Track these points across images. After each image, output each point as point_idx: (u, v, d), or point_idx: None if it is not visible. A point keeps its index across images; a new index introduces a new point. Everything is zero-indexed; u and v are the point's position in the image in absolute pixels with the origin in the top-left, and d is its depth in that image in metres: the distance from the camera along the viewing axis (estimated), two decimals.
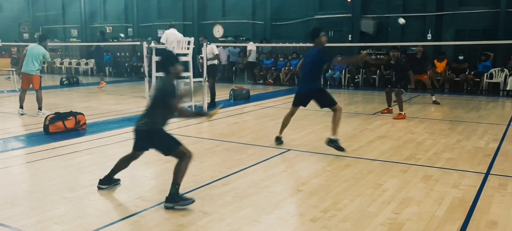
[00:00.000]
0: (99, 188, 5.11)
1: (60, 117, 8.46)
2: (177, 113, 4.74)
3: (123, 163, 5.15)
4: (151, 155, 6.51)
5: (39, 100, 10.78)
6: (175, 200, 4.54)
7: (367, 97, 14.84)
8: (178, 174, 4.61)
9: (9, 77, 18.00)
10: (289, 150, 7.09)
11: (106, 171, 5.63)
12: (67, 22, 28.07)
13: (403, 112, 10.09)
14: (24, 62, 10.70)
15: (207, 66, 11.87)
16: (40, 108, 10.75)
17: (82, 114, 8.83)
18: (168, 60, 4.88)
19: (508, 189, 5.18)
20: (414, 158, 6.62)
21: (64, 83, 18.55)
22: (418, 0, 17.70)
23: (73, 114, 8.68)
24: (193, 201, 4.60)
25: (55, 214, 4.38)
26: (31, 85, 10.71)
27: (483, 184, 5.37)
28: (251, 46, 18.78)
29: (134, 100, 13.23)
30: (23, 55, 10.95)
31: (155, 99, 4.76)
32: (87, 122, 8.94)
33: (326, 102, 6.94)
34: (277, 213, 4.44)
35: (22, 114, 10.60)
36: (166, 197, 4.58)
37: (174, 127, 9.25)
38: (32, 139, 7.99)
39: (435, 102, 12.55)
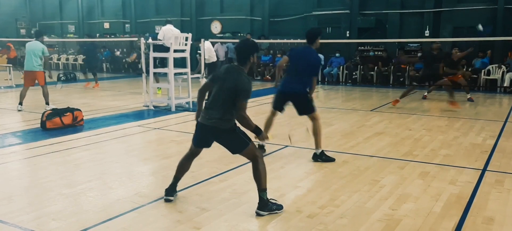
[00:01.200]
0: (167, 200, 4.60)
1: (57, 113, 8.44)
2: (239, 116, 4.28)
3: (185, 165, 4.71)
4: (149, 151, 6.52)
5: (45, 95, 10.85)
6: (268, 206, 4.26)
7: (364, 93, 14.85)
8: (261, 179, 4.29)
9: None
10: (286, 146, 7.09)
11: (103, 167, 5.65)
12: (64, 18, 27.99)
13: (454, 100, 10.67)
14: (25, 60, 10.75)
15: (207, 64, 11.91)
16: (47, 103, 10.79)
17: (80, 110, 8.82)
18: (251, 48, 4.36)
19: (505, 185, 5.20)
20: (411, 154, 6.63)
21: (61, 79, 18.50)
22: None
23: (70, 110, 8.66)
24: (282, 207, 4.37)
25: (52, 210, 4.38)
26: (36, 81, 10.76)
27: (480, 180, 5.38)
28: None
29: (132, 97, 13.20)
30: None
31: (229, 92, 4.19)
32: (84, 118, 8.93)
33: (307, 109, 6.34)
34: None
35: (19, 110, 10.58)
36: (258, 204, 4.27)
37: (172, 123, 9.25)
38: (30, 135, 7.98)
39: (470, 99, 12.38)
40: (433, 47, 11.25)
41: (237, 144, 4.37)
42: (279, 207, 4.35)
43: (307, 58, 6.27)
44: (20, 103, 10.73)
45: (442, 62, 11.39)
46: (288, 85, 6.37)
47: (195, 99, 10.90)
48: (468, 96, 12.54)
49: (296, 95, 6.33)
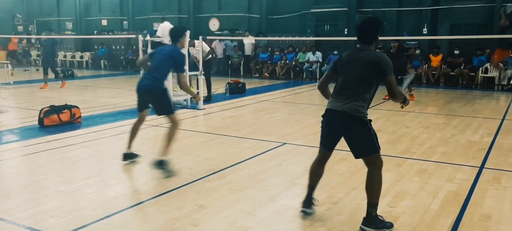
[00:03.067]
0: (306, 213, 4.18)
1: (55, 110, 8.43)
2: (392, 91, 3.81)
3: (318, 171, 4.23)
4: (147, 148, 6.51)
5: None
6: (375, 223, 3.83)
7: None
8: (373, 192, 3.85)
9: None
10: (284, 143, 7.10)
11: (101, 164, 5.63)
12: (61, 14, 27.92)
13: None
14: None
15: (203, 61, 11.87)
16: None
17: (77, 107, 8.80)
18: (379, 26, 3.99)
19: (502, 182, 5.21)
20: (409, 151, 6.65)
21: (61, 76, 18.44)
22: None
23: (68, 107, 8.65)
24: (392, 225, 3.94)
25: (50, 207, 4.38)
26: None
27: (477, 177, 5.40)
28: (249, 39, 18.78)
29: (129, 94, 13.18)
30: None
31: (364, 72, 3.78)
32: (82, 115, 8.92)
33: (165, 109, 5.66)
34: (272, 207, 4.45)
35: None
36: (364, 219, 3.89)
37: None
38: (27, 132, 7.96)
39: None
40: (391, 46, 11.99)
41: (367, 143, 3.85)
42: (388, 226, 3.87)
43: (165, 53, 5.63)
44: None
45: (402, 58, 12.00)
46: (142, 81, 5.69)
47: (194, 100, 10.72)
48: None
49: (151, 92, 5.60)
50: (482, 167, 5.88)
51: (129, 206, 4.44)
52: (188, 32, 6.20)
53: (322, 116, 4.05)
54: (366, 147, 3.85)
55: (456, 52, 16.06)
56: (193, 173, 5.47)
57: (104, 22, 26.07)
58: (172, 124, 5.63)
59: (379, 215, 3.91)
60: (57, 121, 8.34)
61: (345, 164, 5.91)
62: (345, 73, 3.91)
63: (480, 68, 15.43)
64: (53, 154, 6.48)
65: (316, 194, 4.77)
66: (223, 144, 7.10)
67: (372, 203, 3.85)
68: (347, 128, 3.83)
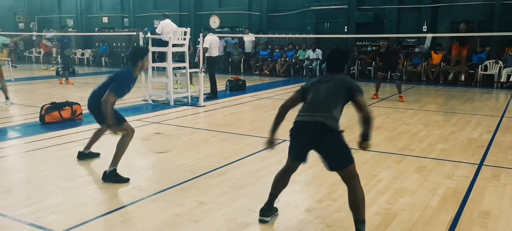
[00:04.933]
0: (263, 221, 4.01)
1: (56, 106, 8.45)
2: (364, 114, 3.72)
3: (283, 180, 4.09)
4: (148, 145, 6.54)
5: (4, 89, 10.68)
6: None
7: (362, 88, 14.85)
8: (359, 208, 3.61)
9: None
10: (284, 140, 7.08)
11: (102, 161, 5.66)
12: (63, 12, 27.90)
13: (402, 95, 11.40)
14: None
15: (206, 57, 11.94)
16: (6, 97, 10.67)
17: (78, 104, 8.82)
18: (347, 57, 4.12)
19: (501, 179, 5.24)
20: (408, 149, 6.67)
21: (60, 73, 18.46)
22: None
23: (69, 104, 8.67)
24: None
25: (51, 203, 4.41)
26: None
27: (477, 174, 5.43)
28: (249, 37, 18.79)
29: (130, 91, 13.18)
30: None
31: (335, 88, 3.77)
32: (83, 112, 8.92)
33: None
34: None
35: (9, 104, 10.51)
36: None
37: (171, 117, 9.27)
38: (28, 129, 7.99)
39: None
40: (380, 44, 12.04)
41: (344, 155, 3.71)
42: None
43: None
44: (7, 98, 10.63)
45: (392, 57, 11.86)
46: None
47: (195, 94, 10.71)
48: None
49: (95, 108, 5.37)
50: (481, 164, 5.90)
51: (130, 203, 4.47)
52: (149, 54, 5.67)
53: (291, 130, 3.91)
54: (343, 158, 3.66)
55: None
56: (194, 170, 5.50)
57: (105, 20, 26.08)
58: (125, 135, 5.31)
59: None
60: (58, 117, 8.37)
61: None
62: (315, 90, 3.84)
63: (480, 66, 15.44)
64: (54, 151, 6.51)
65: (316, 191, 4.81)
66: (223, 141, 7.12)
67: (361, 219, 3.63)
68: (320, 139, 3.67)
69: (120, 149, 5.19)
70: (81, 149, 6.05)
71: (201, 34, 11.55)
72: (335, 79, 3.85)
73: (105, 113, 5.03)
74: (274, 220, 4.06)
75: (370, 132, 3.76)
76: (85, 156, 5.99)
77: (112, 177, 5.05)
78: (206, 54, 11.59)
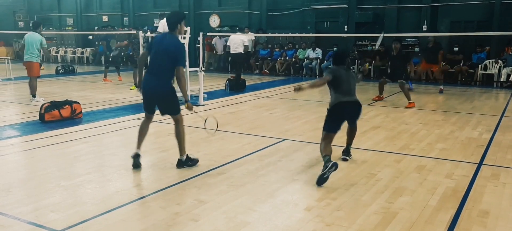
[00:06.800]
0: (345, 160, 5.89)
1: (55, 105, 8.46)
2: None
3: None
4: (147, 143, 6.53)
5: (33, 87, 10.89)
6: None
7: (361, 88, 14.83)
8: (352, 138, 6.15)
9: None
10: (284, 139, 7.12)
11: (102, 160, 5.66)
12: (62, 10, 27.89)
13: (411, 101, 10.55)
14: (24, 51, 10.91)
15: (231, 55, 12.57)
16: (33, 95, 10.86)
17: (78, 103, 8.83)
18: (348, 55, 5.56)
19: (501, 179, 5.24)
20: (408, 148, 6.67)
21: (60, 72, 18.49)
22: None
23: (69, 103, 8.68)
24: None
25: (51, 202, 4.41)
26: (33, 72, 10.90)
27: (476, 174, 5.43)
28: (248, 36, 18.76)
29: (130, 90, 13.21)
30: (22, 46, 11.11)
31: (354, 80, 5.84)
32: (82, 110, 8.94)
33: (170, 109, 5.52)
34: (272, 202, 4.48)
35: (36, 101, 10.61)
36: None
37: None
38: (28, 128, 7.99)
39: (441, 91, 13.21)
40: (392, 47, 11.18)
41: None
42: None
43: (166, 47, 5.30)
44: (34, 95, 10.87)
45: (402, 61, 11.17)
46: (149, 84, 5.42)
47: (194, 93, 10.80)
48: (441, 88, 13.07)
49: (158, 94, 5.43)
50: (480, 163, 5.91)
51: (130, 201, 4.47)
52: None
53: (334, 108, 5.54)
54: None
55: (456, 49, 16.06)
56: (194, 168, 5.50)
57: (105, 19, 26.06)
58: (178, 123, 5.51)
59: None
60: (58, 116, 8.37)
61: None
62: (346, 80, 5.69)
63: (479, 65, 15.45)
64: (54, 149, 6.51)
65: (315, 189, 4.81)
66: (223, 140, 7.12)
67: (349, 147, 6.14)
68: (357, 115, 5.85)
69: (183, 137, 5.52)
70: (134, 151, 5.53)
71: (201, 33, 11.55)
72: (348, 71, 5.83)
73: (185, 88, 5.54)
74: (273, 220, 4.06)
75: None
76: (137, 158, 5.50)
77: (188, 162, 5.52)
78: (231, 51, 13.05)
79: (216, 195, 4.61)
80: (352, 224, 3.93)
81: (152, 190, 4.79)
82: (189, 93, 11.00)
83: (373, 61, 17.30)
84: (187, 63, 11.10)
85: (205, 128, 6.08)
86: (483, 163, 5.93)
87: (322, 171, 4.94)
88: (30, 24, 12.69)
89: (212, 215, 4.12)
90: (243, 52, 14.39)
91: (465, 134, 7.61)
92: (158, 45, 5.35)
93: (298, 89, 5.41)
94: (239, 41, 13.87)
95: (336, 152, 5.88)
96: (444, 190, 4.83)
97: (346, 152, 6.04)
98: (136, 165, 5.44)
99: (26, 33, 11.35)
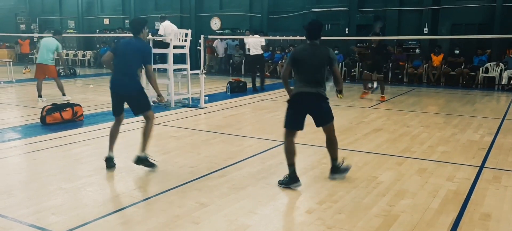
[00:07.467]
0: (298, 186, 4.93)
1: (57, 108, 8.46)
2: (337, 78, 5.02)
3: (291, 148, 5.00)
4: (149, 146, 6.53)
5: (60, 87, 11.37)
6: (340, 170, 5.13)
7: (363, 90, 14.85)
8: (336, 149, 5.20)
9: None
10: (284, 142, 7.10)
11: (103, 162, 5.65)
12: (64, 13, 27.94)
13: (384, 95, 11.69)
14: (39, 54, 11.44)
15: (252, 57, 13.78)
16: (63, 94, 11.29)
17: (79, 105, 8.84)
18: (321, 26, 5.02)
19: (502, 182, 5.23)
20: (409, 151, 6.67)
21: (61, 74, 18.48)
22: None
23: (70, 105, 8.69)
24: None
25: (52, 204, 4.41)
26: (46, 76, 11.37)
27: (478, 177, 5.42)
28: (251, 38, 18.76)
29: None
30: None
31: (323, 64, 4.87)
32: (84, 113, 8.95)
33: (140, 106, 5.56)
34: (273, 205, 4.48)
35: (40, 101, 10.97)
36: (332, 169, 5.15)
37: (172, 118, 9.28)
38: (29, 130, 7.99)
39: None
40: (373, 41, 11.83)
41: (329, 114, 5.02)
42: (346, 170, 5.20)
43: (134, 49, 5.50)
44: (40, 96, 11.25)
45: (381, 55, 11.97)
46: (119, 83, 5.53)
47: (196, 95, 10.83)
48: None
49: (128, 93, 5.53)
50: (482, 166, 5.90)
51: (131, 204, 4.47)
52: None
53: (292, 100, 5.07)
54: (329, 117, 5.05)
55: (457, 51, 16.06)
56: (195, 171, 5.50)
57: (106, 21, 26.10)
58: (149, 120, 5.58)
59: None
60: (59, 119, 8.37)
61: (345, 163, 5.93)
62: (309, 64, 5.00)
63: (481, 68, 15.44)
64: (55, 152, 6.52)
65: (316, 192, 4.81)
66: (224, 142, 7.12)
67: (335, 157, 5.16)
68: (318, 108, 5.00)
69: (149, 134, 5.56)
70: (107, 155, 5.64)
71: (202, 36, 11.56)
72: (324, 53, 4.93)
73: (156, 83, 5.69)
74: (274, 222, 4.06)
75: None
76: (110, 160, 5.62)
77: (145, 161, 5.50)
78: (251, 53, 13.89)
79: (217, 198, 4.61)
80: (353, 227, 3.93)
81: (153, 192, 4.78)
82: (188, 96, 11.03)
83: (359, 62, 17.25)
84: (188, 66, 11.19)
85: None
86: (485, 166, 5.92)
87: (283, 178, 4.93)
88: (51, 31, 13.41)
89: (213, 217, 4.12)
90: (262, 52, 14.79)
91: (467, 137, 7.60)
92: (125, 48, 5.58)
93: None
94: (258, 43, 14.23)
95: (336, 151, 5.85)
96: (446, 193, 4.82)
97: (333, 169, 5.20)
98: (110, 166, 5.60)
99: (42, 37, 11.81)
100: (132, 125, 8.44)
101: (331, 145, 5.09)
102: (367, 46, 12.80)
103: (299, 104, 4.90)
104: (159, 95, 5.75)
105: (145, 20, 5.83)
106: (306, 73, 4.86)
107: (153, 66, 10.94)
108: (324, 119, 5.00)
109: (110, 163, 5.60)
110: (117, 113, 5.65)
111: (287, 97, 5.15)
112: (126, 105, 5.56)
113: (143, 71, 5.99)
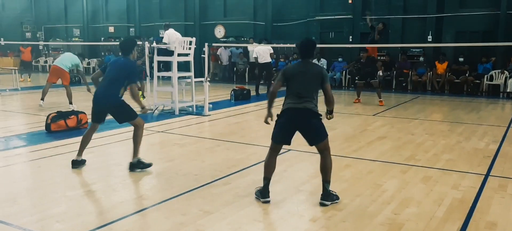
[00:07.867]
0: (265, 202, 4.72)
1: (62, 115, 8.49)
2: (329, 97, 4.77)
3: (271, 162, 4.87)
4: (152, 153, 6.54)
5: (69, 95, 11.50)
6: (330, 197, 4.69)
7: (367, 98, 14.82)
8: (328, 172, 4.74)
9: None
10: (289, 150, 7.09)
11: (107, 170, 5.67)
12: (69, 21, 28.09)
13: (381, 99, 12.48)
14: (59, 58, 11.81)
15: (261, 65, 14.25)
16: (70, 102, 11.39)
17: (84, 113, 8.85)
18: (315, 45, 4.92)
19: (508, 190, 5.20)
20: (414, 158, 6.64)
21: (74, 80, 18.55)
22: (419, 1, 17.69)
23: (75, 113, 8.72)
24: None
25: (56, 212, 4.41)
26: (59, 80, 11.59)
27: (483, 185, 5.39)
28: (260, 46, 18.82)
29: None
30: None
31: (315, 80, 4.69)
32: (88, 120, 8.95)
33: (124, 115, 5.87)
34: (277, 213, 4.46)
35: (40, 105, 11.18)
36: (322, 195, 4.68)
37: (176, 126, 9.29)
38: (34, 137, 8.02)
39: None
40: (361, 56, 13.09)
41: (321, 132, 4.70)
42: (337, 198, 4.73)
43: (121, 66, 5.87)
44: (42, 99, 11.40)
45: (370, 67, 12.85)
46: (100, 94, 5.85)
47: (200, 103, 10.87)
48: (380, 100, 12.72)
49: (109, 104, 5.83)
50: (487, 174, 5.86)
51: (135, 212, 4.47)
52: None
53: (281, 115, 4.90)
54: (321, 135, 4.72)
55: (461, 59, 16.03)
56: (199, 179, 5.50)
57: (111, 29, 26.22)
58: (137, 128, 5.89)
59: (331, 191, 4.71)
60: (64, 126, 8.40)
61: (350, 171, 5.92)
62: (300, 80, 4.85)
63: (485, 76, 15.40)
64: (59, 159, 6.53)
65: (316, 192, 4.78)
66: (228, 150, 7.12)
67: (328, 180, 4.67)
68: (308, 124, 4.72)
69: (139, 140, 5.87)
70: (74, 157, 6.03)
71: (206, 44, 11.60)
72: (317, 71, 4.79)
73: (138, 99, 5.97)
74: (278, 230, 4.04)
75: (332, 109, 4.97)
76: (79, 163, 6.00)
77: (138, 165, 5.80)
78: (260, 61, 14.42)
79: (221, 206, 4.60)
80: None
81: (157, 200, 4.78)
82: (192, 104, 11.04)
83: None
84: (192, 73, 11.22)
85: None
86: (490, 174, 5.89)
87: (255, 190, 4.88)
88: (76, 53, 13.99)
89: (217, 225, 4.11)
90: (270, 60, 15.17)
91: (472, 145, 7.57)
92: (113, 65, 6.00)
93: (266, 117, 5.03)
94: (266, 51, 14.68)
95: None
96: (451, 201, 4.79)
97: (324, 195, 4.66)
98: (75, 168, 5.92)
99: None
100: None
101: (325, 166, 4.65)
102: (356, 61, 13.97)
103: (289, 120, 4.74)
104: (142, 108, 6.07)
105: (135, 42, 6.34)
106: (297, 89, 4.68)
107: (158, 73, 11.20)
108: (316, 137, 4.67)
109: (75, 165, 5.94)
110: (95, 120, 6.04)
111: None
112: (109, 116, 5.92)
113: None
